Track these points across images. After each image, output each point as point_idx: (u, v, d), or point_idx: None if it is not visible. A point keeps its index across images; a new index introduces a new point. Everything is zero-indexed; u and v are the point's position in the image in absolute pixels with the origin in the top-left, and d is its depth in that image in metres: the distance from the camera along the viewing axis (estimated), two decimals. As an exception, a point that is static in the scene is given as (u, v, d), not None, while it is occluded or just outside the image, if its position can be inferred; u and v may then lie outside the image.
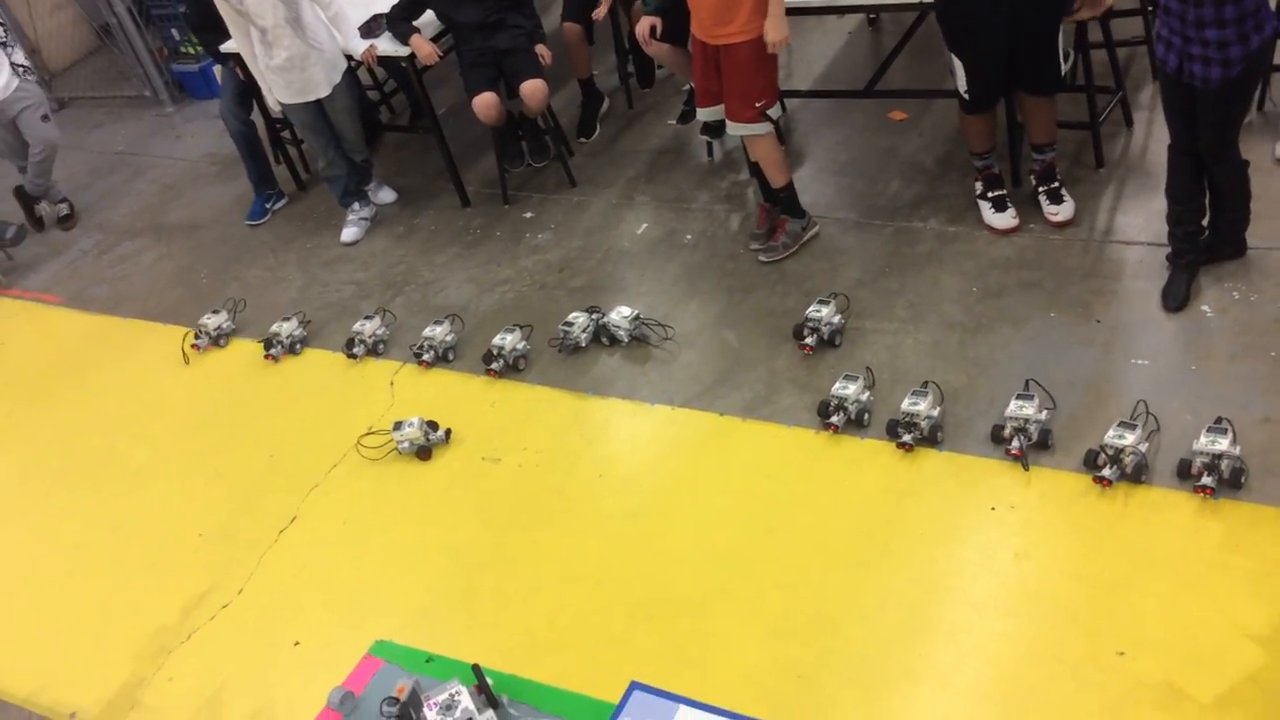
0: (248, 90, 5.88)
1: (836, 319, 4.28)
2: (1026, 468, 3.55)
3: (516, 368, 4.62)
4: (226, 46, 5.72)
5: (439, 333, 4.78)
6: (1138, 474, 3.40)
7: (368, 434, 4.44)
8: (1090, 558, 3.29)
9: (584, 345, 4.59)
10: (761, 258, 4.87)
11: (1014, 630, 3.17)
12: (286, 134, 6.30)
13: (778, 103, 4.57)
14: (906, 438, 3.73)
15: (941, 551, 3.44)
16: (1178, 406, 3.62)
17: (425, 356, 4.75)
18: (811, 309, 4.29)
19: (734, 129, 4.63)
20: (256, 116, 6.10)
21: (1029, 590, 3.25)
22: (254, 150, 6.08)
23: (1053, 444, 3.60)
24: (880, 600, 3.35)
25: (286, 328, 5.13)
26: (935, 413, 3.76)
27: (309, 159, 6.39)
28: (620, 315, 4.55)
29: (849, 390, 3.89)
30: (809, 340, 4.24)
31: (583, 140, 6.09)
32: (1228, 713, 2.82)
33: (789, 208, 4.85)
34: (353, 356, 4.91)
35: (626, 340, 4.55)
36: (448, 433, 4.34)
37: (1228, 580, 3.11)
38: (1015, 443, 3.59)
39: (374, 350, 4.92)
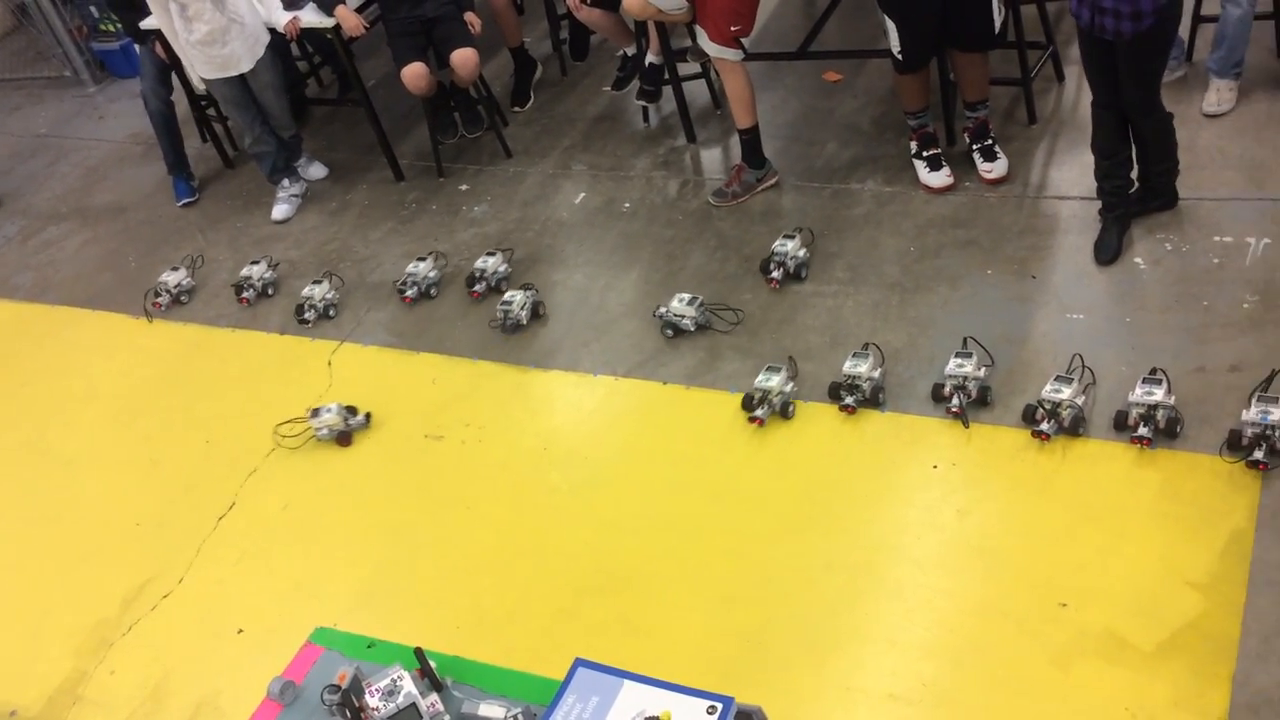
0: (169, 69, 5.74)
1: (802, 252, 4.39)
2: (967, 425, 3.58)
3: (499, 290, 4.71)
4: (146, 23, 5.56)
5: (423, 269, 4.84)
6: (1075, 427, 3.43)
7: (285, 422, 4.34)
8: (1031, 511, 3.32)
9: (525, 323, 4.53)
10: (710, 200, 4.92)
11: (958, 586, 3.19)
12: (211, 111, 6.15)
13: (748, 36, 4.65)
14: (849, 400, 3.73)
15: (886, 511, 3.46)
16: (1113, 358, 3.66)
17: (409, 292, 4.80)
18: (777, 244, 4.39)
19: (708, 48, 4.67)
20: (180, 96, 5.95)
21: (972, 546, 3.28)
22: (171, 132, 5.94)
23: (992, 400, 3.63)
24: (827, 562, 3.36)
25: (256, 270, 5.16)
26: (876, 374, 3.76)
27: (235, 136, 6.25)
28: (680, 302, 4.27)
29: (772, 382, 3.82)
30: (775, 274, 4.35)
31: (517, 109, 6.01)
32: (1169, 659, 2.86)
33: (749, 154, 4.87)
34: (304, 322, 4.90)
35: (693, 329, 4.27)
36: (368, 416, 4.28)
37: (1166, 529, 3.16)
38: (955, 401, 3.60)
39: (325, 315, 4.92)
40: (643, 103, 5.56)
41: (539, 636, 3.37)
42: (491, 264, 4.75)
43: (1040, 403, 3.47)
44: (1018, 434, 3.52)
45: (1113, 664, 2.89)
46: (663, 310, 4.29)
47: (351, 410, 4.26)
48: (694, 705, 1.94)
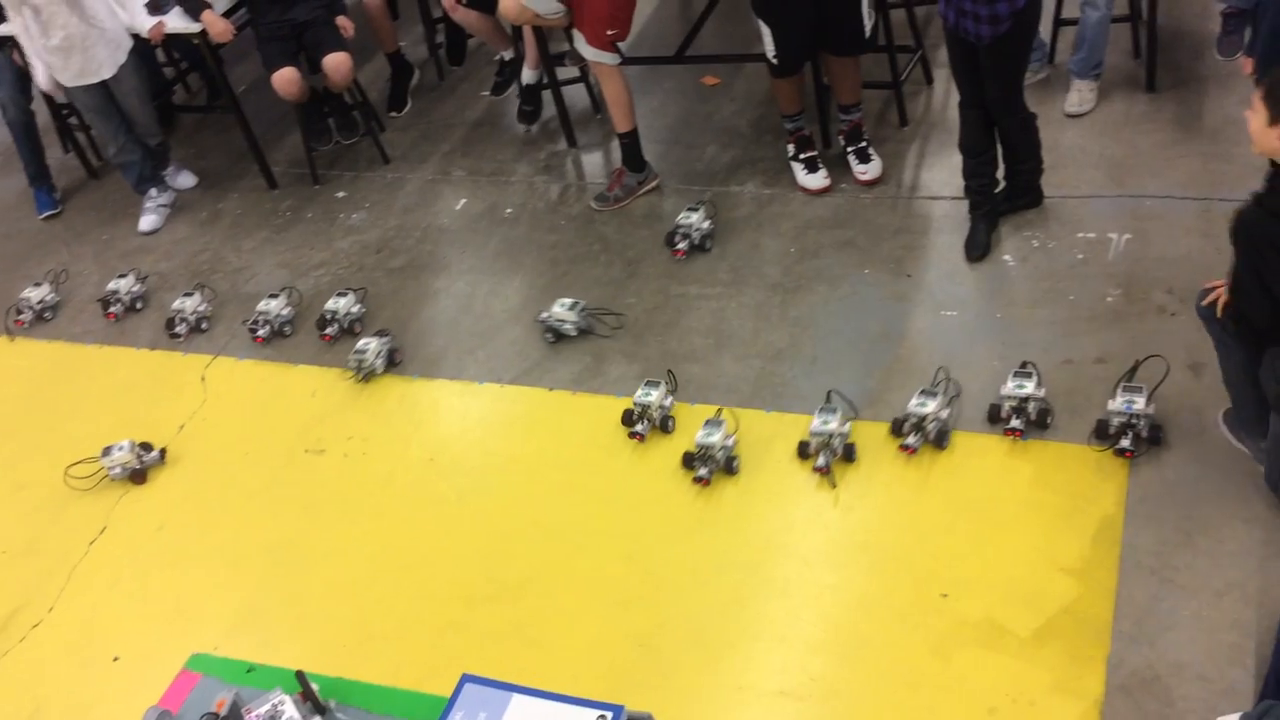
0: (28, 76, 5.51)
1: (706, 223, 4.50)
2: (834, 485, 3.50)
3: (353, 331, 4.51)
4: (1, 29, 5.33)
5: (274, 306, 4.61)
6: (940, 440, 3.47)
7: (75, 463, 4.20)
8: (912, 505, 3.39)
9: (380, 372, 4.32)
10: (592, 204, 4.92)
11: (843, 581, 3.25)
12: (74, 120, 5.93)
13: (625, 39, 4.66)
14: (702, 471, 3.57)
15: (772, 510, 3.49)
16: (985, 353, 3.76)
17: (260, 332, 4.59)
18: (681, 216, 4.49)
19: (586, 52, 4.67)
20: (40, 104, 5.73)
21: (856, 542, 3.34)
22: (32, 142, 5.70)
23: (856, 456, 3.55)
24: (718, 563, 3.38)
25: (124, 284, 4.97)
26: (730, 442, 3.61)
27: (99, 145, 6.02)
28: (562, 307, 4.24)
29: (651, 397, 3.77)
30: (680, 245, 4.47)
31: (394, 115, 5.92)
32: (1046, 644, 2.95)
33: (629, 158, 4.88)
34: (176, 337, 4.76)
35: (575, 334, 4.25)
36: (162, 452, 4.17)
37: (1040, 517, 3.26)
38: (821, 459, 3.51)
39: (198, 328, 4.77)
40: (524, 125, 5.52)
41: (429, 651, 3.31)
42: (343, 305, 4.52)
43: (906, 417, 3.51)
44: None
45: (992, 651, 2.97)
46: (545, 315, 4.26)
47: (146, 446, 4.15)
48: (584, 715, 1.94)
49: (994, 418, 3.50)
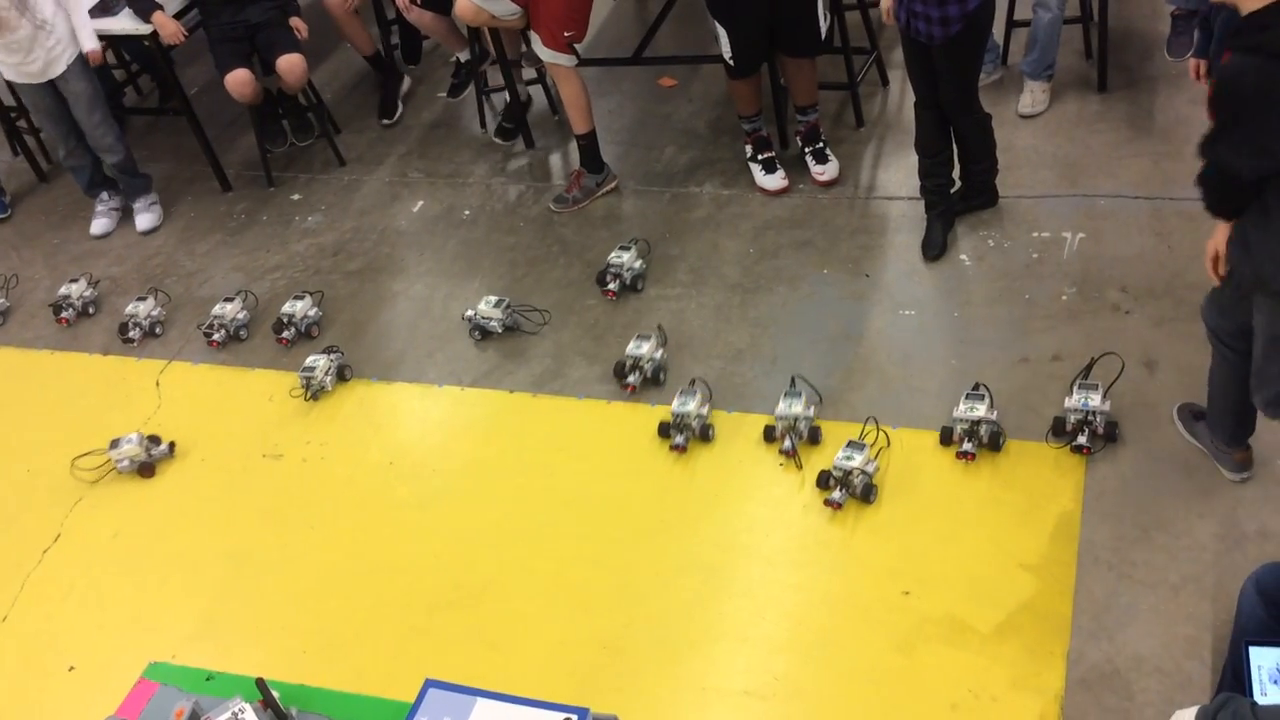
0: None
1: (638, 263, 4.39)
2: (800, 467, 3.53)
3: (310, 335, 4.48)
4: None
5: (229, 310, 4.56)
6: (867, 494, 3.37)
7: (82, 455, 4.14)
8: (873, 504, 3.40)
9: (330, 389, 4.25)
10: (551, 206, 4.91)
11: (806, 580, 3.26)
12: (22, 123, 5.82)
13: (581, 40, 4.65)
14: (679, 439, 3.66)
15: (735, 510, 3.50)
16: (943, 352, 3.80)
17: (215, 336, 4.53)
18: (613, 255, 4.38)
19: (542, 54, 4.65)
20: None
21: (819, 541, 3.35)
22: None
23: (822, 439, 3.58)
24: (680, 564, 3.38)
25: (75, 289, 4.88)
26: (704, 411, 3.70)
27: (49, 148, 5.93)
28: (487, 304, 4.28)
29: (643, 349, 3.89)
30: (611, 286, 4.33)
31: (385, 123, 5.78)
32: (1007, 641, 2.98)
33: (587, 159, 4.87)
34: (129, 342, 4.68)
35: (501, 330, 4.29)
36: (171, 446, 4.12)
37: (999, 515, 3.29)
38: (787, 442, 3.56)
39: (151, 332, 4.70)
40: (500, 140, 5.45)
41: (391, 657, 3.29)
42: (300, 308, 4.48)
43: (832, 470, 3.41)
44: (858, 429, 3.60)
45: (954, 648, 2.99)
46: (470, 313, 4.29)
47: (154, 440, 4.09)
48: (549, 719, 1.93)
49: (946, 440, 3.48)
